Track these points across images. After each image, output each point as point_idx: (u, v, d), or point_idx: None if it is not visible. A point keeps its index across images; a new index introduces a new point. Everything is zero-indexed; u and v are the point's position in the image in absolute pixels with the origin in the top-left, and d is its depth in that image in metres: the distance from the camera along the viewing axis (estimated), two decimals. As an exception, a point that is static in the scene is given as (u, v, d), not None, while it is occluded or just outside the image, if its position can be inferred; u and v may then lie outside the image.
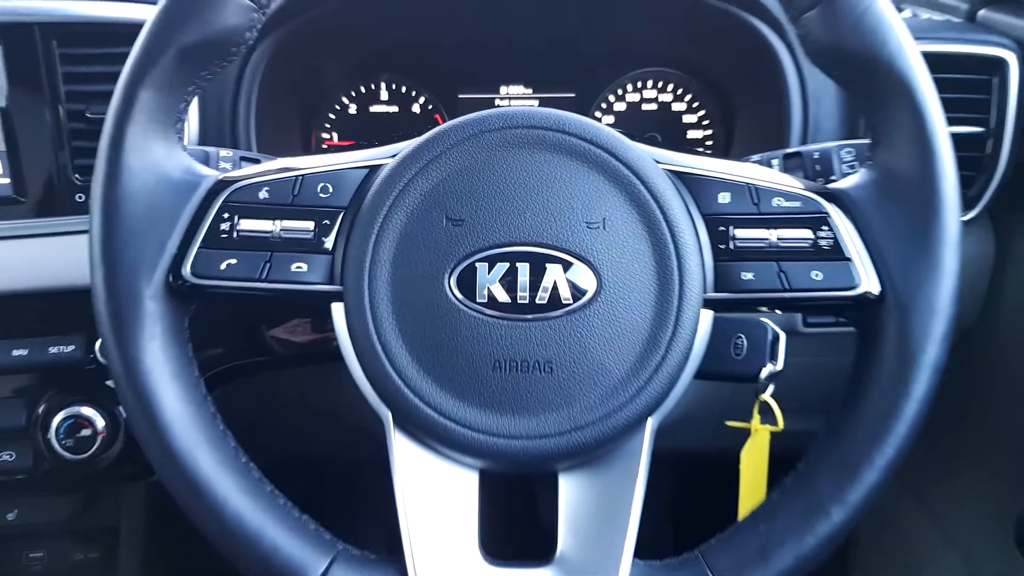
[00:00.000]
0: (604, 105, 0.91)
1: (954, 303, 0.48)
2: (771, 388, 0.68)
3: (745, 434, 0.68)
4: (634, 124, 0.91)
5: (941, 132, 0.49)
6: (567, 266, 0.48)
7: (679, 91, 0.90)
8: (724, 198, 0.51)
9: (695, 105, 0.90)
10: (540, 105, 0.92)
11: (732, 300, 0.51)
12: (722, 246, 0.51)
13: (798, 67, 0.77)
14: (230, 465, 0.49)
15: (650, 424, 0.50)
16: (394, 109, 0.90)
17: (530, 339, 0.48)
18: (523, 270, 0.48)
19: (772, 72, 0.78)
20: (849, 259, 0.50)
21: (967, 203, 0.79)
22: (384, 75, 0.88)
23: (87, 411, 0.72)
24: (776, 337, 0.64)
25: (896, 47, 0.48)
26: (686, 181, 0.52)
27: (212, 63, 0.50)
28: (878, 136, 0.51)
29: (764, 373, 0.66)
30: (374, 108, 0.90)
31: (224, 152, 0.63)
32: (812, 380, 0.73)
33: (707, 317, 0.51)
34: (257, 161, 0.64)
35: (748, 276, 0.50)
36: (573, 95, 0.91)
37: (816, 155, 0.65)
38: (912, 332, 0.48)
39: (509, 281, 0.48)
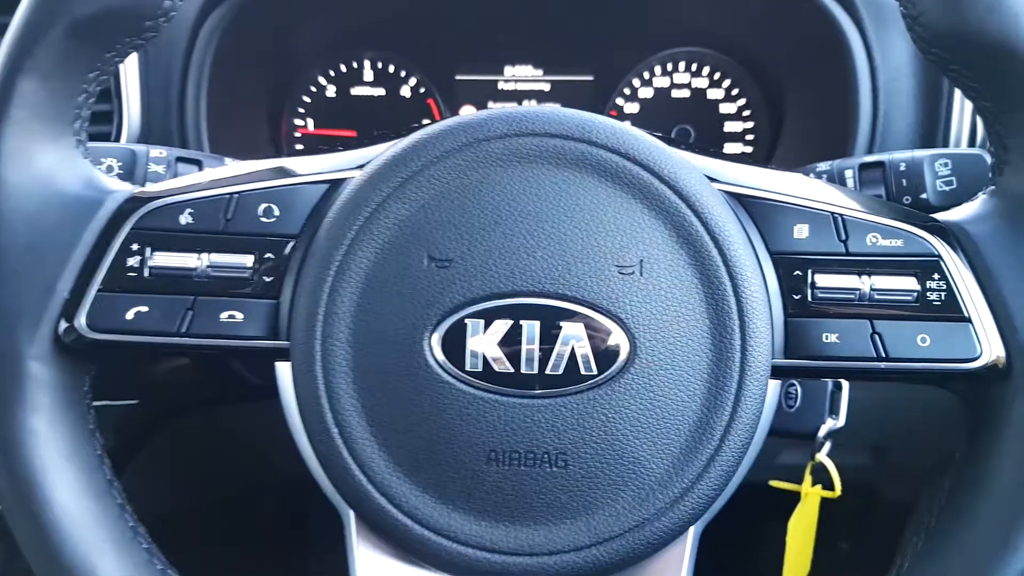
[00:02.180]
0: (627, 91, 0.78)
1: None
2: (828, 446, 0.57)
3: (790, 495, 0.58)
4: (663, 114, 0.78)
5: None
6: (590, 325, 0.36)
7: (716, 75, 0.77)
8: (801, 231, 0.38)
9: (735, 92, 0.77)
10: (552, 90, 0.79)
11: (808, 369, 0.38)
12: (797, 296, 0.38)
13: (869, 51, 0.64)
14: None
15: (693, 533, 0.38)
16: (380, 92, 0.76)
17: (538, 423, 0.36)
18: (530, 329, 0.36)
19: (835, 55, 0.65)
20: (967, 319, 0.37)
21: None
22: (368, 51, 0.75)
23: None
24: (837, 387, 0.52)
25: None
26: (750, 208, 0.39)
27: (120, 41, 0.37)
28: (1008, 153, 0.39)
29: (823, 431, 0.54)
30: (356, 90, 0.76)
31: (156, 152, 0.50)
32: (862, 414, 0.61)
33: (774, 390, 0.38)
34: (199, 164, 0.51)
35: (831, 339, 0.38)
36: (591, 78, 0.78)
37: (903, 167, 0.52)
38: None
39: (511, 344, 0.36)
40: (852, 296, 0.38)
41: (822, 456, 0.56)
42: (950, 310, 0.37)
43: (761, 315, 0.36)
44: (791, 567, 0.58)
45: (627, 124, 0.38)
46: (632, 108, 0.78)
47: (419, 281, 0.36)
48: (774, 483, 0.60)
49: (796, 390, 0.54)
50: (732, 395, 0.36)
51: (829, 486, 0.55)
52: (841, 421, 0.53)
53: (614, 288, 0.36)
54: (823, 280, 0.38)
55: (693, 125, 0.77)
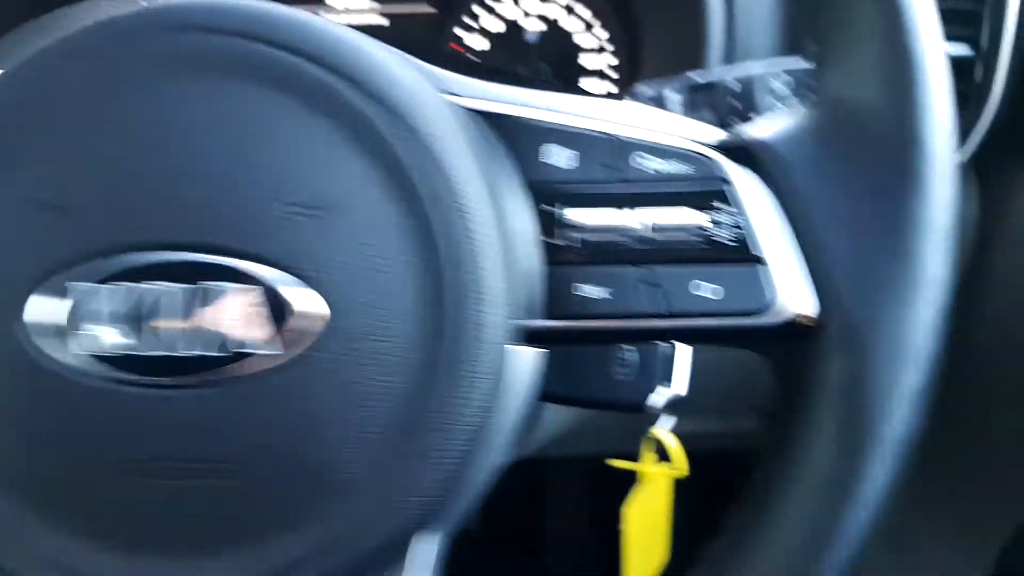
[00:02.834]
0: (472, 23, 0.68)
1: (936, 334, 0.28)
2: (670, 420, 0.49)
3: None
4: (516, 49, 0.68)
5: (928, 42, 0.29)
6: (260, 284, 0.27)
7: (572, 3, 0.68)
8: (560, 157, 0.30)
9: (593, 23, 0.68)
10: (391, 27, 0.69)
11: (573, 331, 0.30)
12: (555, 239, 0.30)
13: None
14: None
15: (423, 546, 0.29)
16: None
17: (191, 422, 0.26)
18: (170, 296, 0.26)
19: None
20: (760, 260, 0.29)
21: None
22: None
23: None
24: (671, 350, 0.44)
25: None
26: (500, 128, 0.30)
27: None
28: (826, 50, 0.30)
29: (653, 400, 0.46)
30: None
31: None
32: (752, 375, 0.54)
33: (530, 360, 0.30)
34: None
35: (594, 292, 0.29)
36: (431, 9, 0.68)
37: (735, 86, 0.43)
38: (869, 385, 0.28)
39: (140, 315, 0.26)
40: (625, 237, 0.29)
41: (658, 431, 0.49)
42: (745, 251, 0.29)
43: (492, 265, 0.27)
44: (635, 561, 0.50)
45: (317, 17, 0.29)
46: (481, 44, 0.68)
47: (19, 235, 0.26)
48: (612, 462, 0.52)
49: (632, 355, 0.46)
50: (455, 370, 0.27)
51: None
52: (680, 388, 0.45)
53: (293, 235, 0.27)
54: (588, 217, 0.29)
55: (550, 61, 0.68)
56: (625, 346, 0.44)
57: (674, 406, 0.46)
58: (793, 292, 0.29)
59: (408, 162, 0.27)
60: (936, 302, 0.28)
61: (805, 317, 0.29)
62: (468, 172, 0.28)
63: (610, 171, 0.29)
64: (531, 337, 0.29)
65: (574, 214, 0.29)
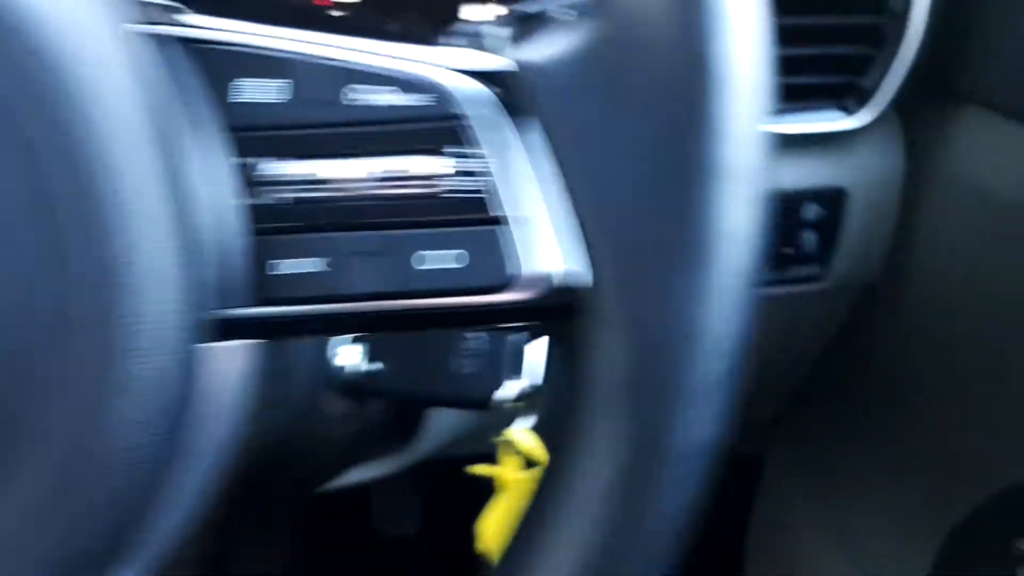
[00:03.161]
0: (338, -27, 0.61)
1: (740, 309, 0.22)
2: (527, 419, 0.42)
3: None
4: (388, 3, 0.61)
5: None
6: None
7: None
8: (264, 92, 0.23)
9: (474, -32, 0.61)
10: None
11: (279, 319, 0.23)
12: (256, 200, 0.23)
13: None
14: None
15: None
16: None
17: None
18: None
19: None
20: (498, 220, 0.22)
21: (862, 96, 0.52)
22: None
23: None
24: (520, 342, 0.38)
25: None
26: (197, 59, 0.23)
27: None
28: None
29: (502, 393, 0.40)
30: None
31: None
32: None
33: (233, 358, 0.23)
34: None
35: (307, 266, 0.23)
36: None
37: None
38: (655, 376, 0.22)
39: None
40: (343, 194, 0.23)
41: (512, 432, 0.42)
42: (485, 208, 0.22)
43: (154, 233, 0.21)
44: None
45: None
46: (349, -3, 0.61)
47: None
48: (472, 469, 0.45)
49: (480, 344, 0.40)
50: (96, 382, 0.20)
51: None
52: (532, 379, 0.39)
53: None
54: (298, 169, 0.23)
55: (426, 14, 0.61)
56: (470, 335, 0.37)
57: (529, 400, 0.39)
58: (553, 258, 0.22)
59: (21, 94, 0.20)
60: (735, 267, 0.21)
61: (569, 291, 0.22)
62: (116, 110, 0.21)
63: (324, 109, 0.23)
64: (229, 330, 0.23)
65: (282, 167, 0.23)
